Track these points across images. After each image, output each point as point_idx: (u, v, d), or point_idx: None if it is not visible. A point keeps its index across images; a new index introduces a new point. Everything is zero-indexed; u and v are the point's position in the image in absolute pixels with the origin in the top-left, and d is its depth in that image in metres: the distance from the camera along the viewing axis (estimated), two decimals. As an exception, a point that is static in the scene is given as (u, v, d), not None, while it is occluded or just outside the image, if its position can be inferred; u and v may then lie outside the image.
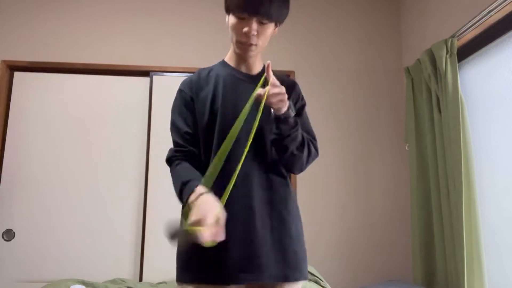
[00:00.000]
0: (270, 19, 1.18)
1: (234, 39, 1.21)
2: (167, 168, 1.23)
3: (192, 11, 2.82)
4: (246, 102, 1.17)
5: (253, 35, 1.17)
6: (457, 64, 2.12)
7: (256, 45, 1.20)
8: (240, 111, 1.15)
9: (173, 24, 2.79)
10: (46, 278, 2.39)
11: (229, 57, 1.31)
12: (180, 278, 1.15)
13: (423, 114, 2.39)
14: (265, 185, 1.18)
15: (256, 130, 1.12)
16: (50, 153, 2.58)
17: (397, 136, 2.77)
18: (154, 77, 2.69)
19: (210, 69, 1.31)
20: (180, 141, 1.21)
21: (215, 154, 1.14)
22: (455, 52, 2.14)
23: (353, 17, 2.92)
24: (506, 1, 1.85)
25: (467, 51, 2.21)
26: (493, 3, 1.92)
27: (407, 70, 2.58)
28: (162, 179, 2.49)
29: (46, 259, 2.45)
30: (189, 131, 1.21)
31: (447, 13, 2.33)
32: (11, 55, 2.64)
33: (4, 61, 2.62)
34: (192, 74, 1.32)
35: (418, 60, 2.43)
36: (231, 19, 1.20)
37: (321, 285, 2.09)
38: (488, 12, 1.96)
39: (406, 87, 2.59)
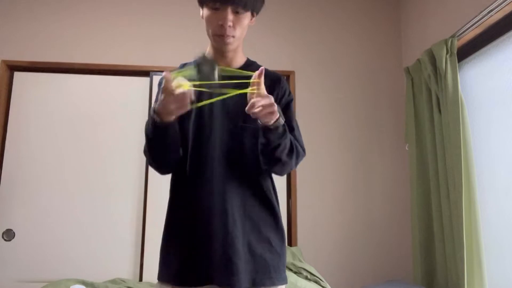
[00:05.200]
0: (245, 8, 1.14)
1: (210, 32, 1.17)
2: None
3: (192, 12, 2.81)
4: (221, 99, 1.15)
5: (229, 26, 1.13)
6: (457, 64, 2.12)
7: (233, 36, 1.16)
8: (215, 108, 1.15)
9: (173, 25, 2.79)
10: (46, 278, 2.39)
11: (208, 53, 1.27)
12: (158, 277, 1.17)
13: (423, 114, 2.39)
14: (242, 192, 1.15)
15: (234, 136, 1.15)
16: (50, 153, 2.58)
17: (397, 136, 2.77)
18: (154, 77, 2.69)
19: (190, 64, 1.27)
20: None
21: (192, 148, 1.15)
22: (455, 52, 2.14)
23: (353, 17, 2.92)
24: (506, 1, 1.85)
25: (467, 51, 2.21)
26: (493, 3, 1.92)
27: (407, 70, 2.58)
28: (162, 179, 2.49)
29: (46, 259, 2.45)
30: None
31: (447, 13, 2.33)
32: (11, 55, 2.64)
33: (4, 61, 2.62)
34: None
35: (418, 60, 2.43)
36: (205, 12, 1.17)
37: (321, 285, 2.09)
38: (488, 12, 1.96)
39: (406, 87, 2.59)
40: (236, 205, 1.13)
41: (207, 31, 1.19)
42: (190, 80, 1.01)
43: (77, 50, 2.70)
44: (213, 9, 1.14)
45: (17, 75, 2.66)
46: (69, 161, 2.58)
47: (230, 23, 1.13)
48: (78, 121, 2.63)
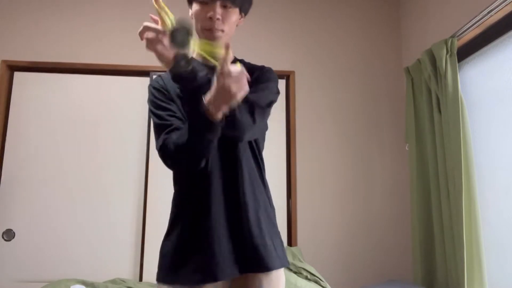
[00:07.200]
0: (233, 3, 1.16)
1: (199, 27, 1.18)
2: (167, 168, 1.22)
3: (192, 11, 2.82)
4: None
5: (217, 19, 1.14)
6: (457, 64, 2.12)
7: (222, 31, 1.16)
8: None
9: (173, 24, 2.79)
10: (46, 278, 2.39)
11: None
12: (158, 278, 1.17)
13: (423, 114, 2.39)
14: (232, 182, 1.15)
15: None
16: (50, 153, 2.58)
17: (397, 136, 2.77)
18: (154, 77, 2.69)
19: None
20: (167, 122, 1.13)
21: None
22: (455, 52, 2.14)
23: (353, 18, 2.92)
24: (506, 1, 1.85)
25: (467, 51, 2.21)
26: (493, 3, 1.92)
27: (407, 70, 2.58)
28: (162, 179, 2.50)
29: (46, 259, 2.45)
30: (171, 108, 1.16)
31: (447, 13, 2.33)
32: (11, 55, 2.64)
33: (4, 61, 2.62)
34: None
35: (418, 60, 2.43)
36: (194, 7, 1.18)
37: (321, 285, 2.09)
38: (488, 12, 1.96)
39: (406, 87, 2.59)
40: (224, 197, 1.14)
41: (196, 27, 1.19)
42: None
43: (77, 50, 2.70)
44: (202, 3, 1.15)
45: (17, 75, 2.66)
46: (69, 161, 2.58)
47: (218, 16, 1.14)
48: (78, 121, 2.63)
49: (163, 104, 1.18)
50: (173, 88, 1.20)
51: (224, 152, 1.16)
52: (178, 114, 1.16)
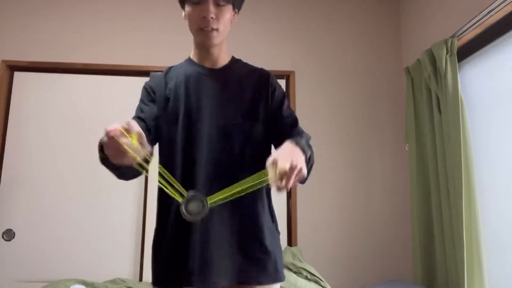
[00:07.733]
0: (226, 0, 1.14)
1: (194, 28, 1.17)
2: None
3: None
4: (208, 98, 1.15)
5: (212, 18, 1.12)
6: (457, 64, 2.12)
7: (217, 30, 1.15)
8: (203, 108, 1.15)
9: (173, 24, 2.79)
10: (46, 278, 2.39)
11: (193, 54, 1.27)
12: (153, 281, 1.17)
13: (423, 114, 2.39)
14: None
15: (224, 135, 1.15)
16: (50, 153, 2.58)
17: (397, 136, 2.77)
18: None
19: (176, 67, 1.29)
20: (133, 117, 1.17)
21: (181, 151, 1.14)
22: (455, 52, 2.14)
23: (353, 17, 2.92)
24: (506, 1, 1.85)
25: (467, 51, 2.21)
26: (493, 3, 1.92)
27: (407, 70, 2.58)
28: (162, 179, 2.50)
29: (46, 259, 2.45)
30: (141, 116, 1.19)
31: (447, 13, 2.33)
32: (11, 55, 2.64)
33: (4, 61, 2.62)
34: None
35: (418, 60, 2.43)
36: (187, 9, 1.17)
37: (321, 285, 2.09)
38: (488, 12, 1.96)
39: (406, 87, 2.59)
40: (222, 207, 1.10)
41: (190, 28, 1.19)
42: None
43: (77, 50, 2.70)
44: (194, 3, 1.14)
45: (17, 75, 2.66)
46: (69, 161, 2.58)
47: (212, 15, 1.12)
48: (78, 121, 2.63)
49: (141, 103, 1.25)
50: (160, 89, 1.23)
51: (229, 162, 1.15)
52: (145, 114, 1.20)
